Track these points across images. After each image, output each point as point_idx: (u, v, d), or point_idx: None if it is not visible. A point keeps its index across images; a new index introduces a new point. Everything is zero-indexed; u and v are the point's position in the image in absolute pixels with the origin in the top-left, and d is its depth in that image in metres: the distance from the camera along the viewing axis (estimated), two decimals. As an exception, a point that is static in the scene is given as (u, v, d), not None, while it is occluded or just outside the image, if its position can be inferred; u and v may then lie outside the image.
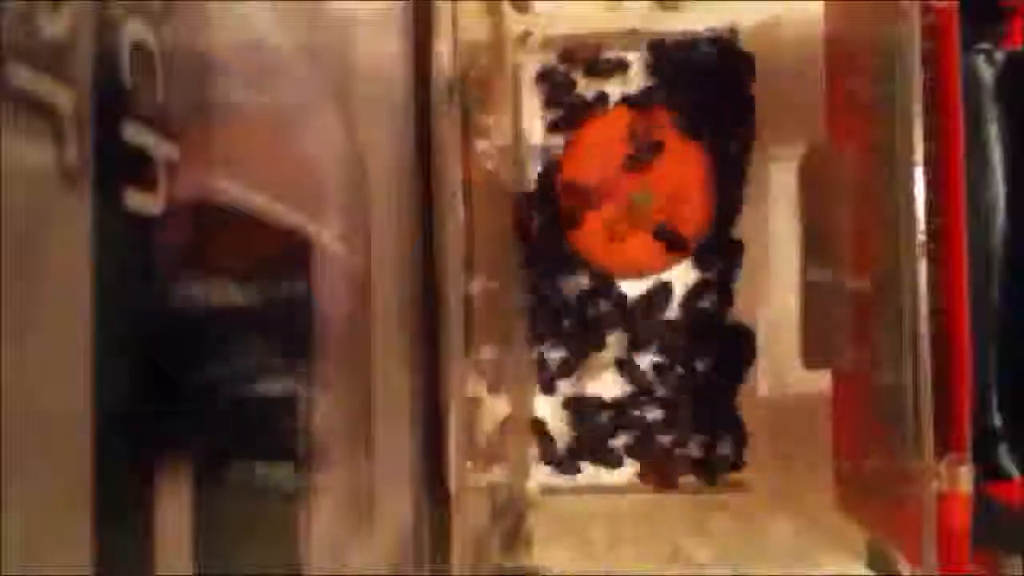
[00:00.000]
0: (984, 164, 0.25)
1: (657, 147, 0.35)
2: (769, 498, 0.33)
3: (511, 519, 0.31)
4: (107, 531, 0.10)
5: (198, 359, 0.12)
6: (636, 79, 0.36)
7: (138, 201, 0.11)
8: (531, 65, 0.36)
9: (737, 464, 0.35)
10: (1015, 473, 0.25)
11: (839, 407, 0.30)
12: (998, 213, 0.25)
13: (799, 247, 0.31)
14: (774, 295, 0.34)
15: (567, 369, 0.36)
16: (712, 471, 0.35)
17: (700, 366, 0.35)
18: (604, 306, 0.36)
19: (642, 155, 0.34)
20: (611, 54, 0.36)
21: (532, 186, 0.36)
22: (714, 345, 0.35)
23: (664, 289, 0.36)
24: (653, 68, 0.36)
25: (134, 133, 0.11)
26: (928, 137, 0.23)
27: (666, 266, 0.36)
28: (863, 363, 0.28)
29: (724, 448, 0.35)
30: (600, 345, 0.36)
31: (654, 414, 0.35)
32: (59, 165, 0.09)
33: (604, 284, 0.36)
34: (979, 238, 0.24)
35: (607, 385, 0.36)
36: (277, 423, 0.16)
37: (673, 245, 0.35)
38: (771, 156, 0.35)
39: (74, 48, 0.10)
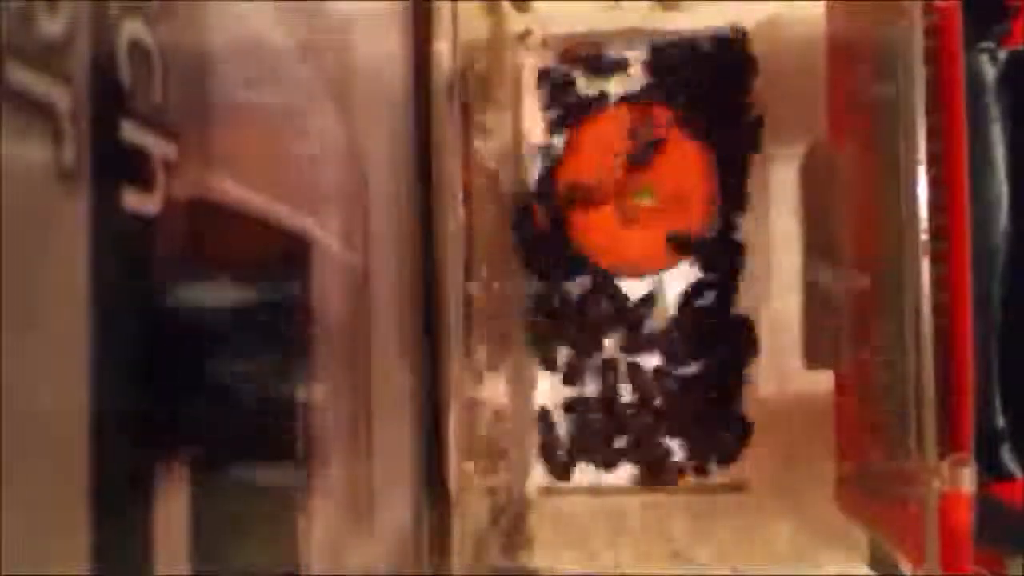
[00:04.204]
0: (987, 163, 0.25)
1: (658, 145, 0.34)
2: (770, 498, 0.33)
3: (511, 519, 0.31)
4: (105, 531, 0.10)
5: (196, 359, 0.12)
6: (636, 78, 0.36)
7: (136, 201, 0.11)
8: (531, 64, 0.36)
9: (733, 457, 0.35)
10: (1018, 473, 0.25)
11: (841, 407, 0.30)
12: (1001, 212, 0.25)
13: (801, 246, 0.31)
14: (775, 295, 0.34)
15: (567, 370, 0.36)
16: (705, 465, 0.35)
17: (700, 365, 0.35)
18: (605, 306, 0.36)
19: (643, 153, 0.34)
20: (611, 53, 0.36)
21: (532, 186, 0.36)
22: (715, 342, 0.35)
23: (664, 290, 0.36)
24: (653, 67, 0.36)
25: (132, 132, 0.11)
26: (930, 136, 0.23)
27: (668, 265, 0.35)
28: (865, 363, 0.28)
29: (723, 443, 0.35)
30: (600, 346, 0.35)
31: (652, 416, 0.35)
32: (57, 165, 0.09)
33: (605, 283, 0.36)
34: (982, 237, 0.24)
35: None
36: (276, 423, 0.16)
37: (682, 248, 0.35)
38: (772, 155, 0.35)
39: (71, 47, 0.10)
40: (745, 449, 0.35)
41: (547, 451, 0.35)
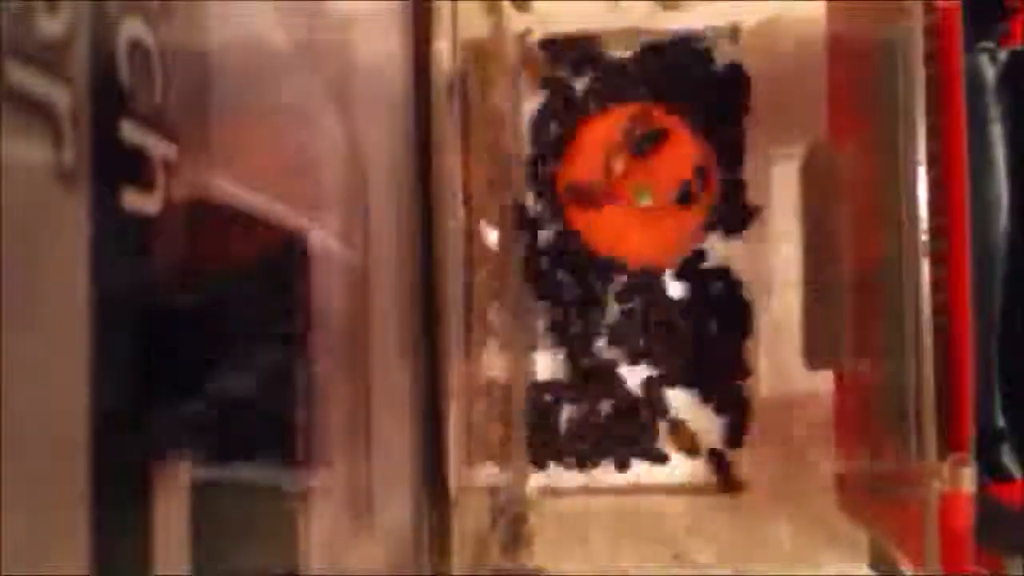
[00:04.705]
0: (987, 163, 0.25)
1: (658, 136, 0.34)
2: (770, 498, 0.33)
3: (511, 519, 0.31)
4: (104, 531, 0.10)
5: (196, 359, 0.12)
6: (636, 78, 0.36)
7: (136, 201, 0.11)
8: (531, 63, 0.36)
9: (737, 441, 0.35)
10: (1017, 474, 0.25)
11: (841, 407, 0.30)
12: (1001, 212, 0.25)
13: (801, 246, 0.31)
14: (775, 295, 0.34)
15: (570, 367, 0.36)
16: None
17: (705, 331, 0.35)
18: (607, 304, 0.36)
19: (643, 145, 0.34)
20: (611, 53, 0.36)
21: (533, 186, 0.36)
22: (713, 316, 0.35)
23: (663, 287, 0.36)
24: (653, 66, 0.36)
25: (132, 132, 0.11)
26: (930, 136, 0.23)
27: (669, 263, 0.36)
28: (865, 363, 0.28)
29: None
30: (601, 339, 0.36)
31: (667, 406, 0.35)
32: (57, 164, 0.09)
33: (607, 282, 0.36)
34: (982, 237, 0.24)
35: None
36: (276, 423, 0.15)
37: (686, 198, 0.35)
38: (772, 155, 0.35)
39: (72, 47, 0.10)
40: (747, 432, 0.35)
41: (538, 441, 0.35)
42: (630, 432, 0.35)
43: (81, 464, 0.09)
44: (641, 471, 0.35)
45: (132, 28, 0.11)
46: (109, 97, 0.10)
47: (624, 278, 0.36)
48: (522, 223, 0.35)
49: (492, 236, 0.28)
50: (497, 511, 0.29)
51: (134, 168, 0.11)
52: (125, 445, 0.10)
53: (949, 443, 0.22)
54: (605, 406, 0.36)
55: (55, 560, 0.09)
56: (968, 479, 0.22)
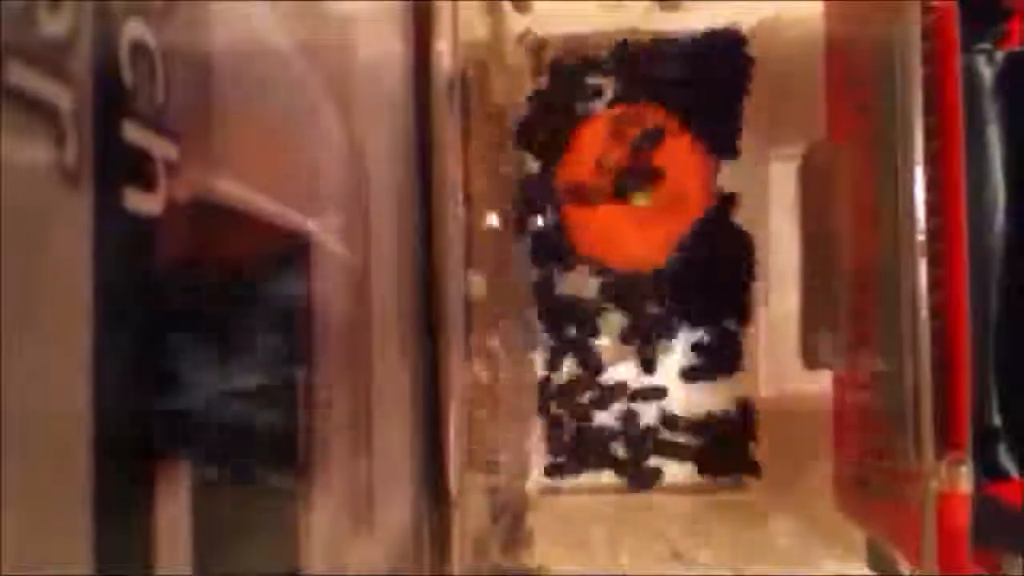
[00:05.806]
0: (984, 164, 0.25)
1: (657, 136, 0.34)
2: (769, 498, 0.33)
3: (511, 519, 0.31)
4: (106, 531, 0.10)
5: (197, 359, 0.12)
6: (635, 78, 0.36)
7: (138, 201, 0.11)
8: (531, 64, 0.36)
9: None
10: (1015, 473, 0.25)
11: (839, 407, 0.30)
12: (998, 212, 0.25)
13: (799, 246, 0.31)
14: (774, 295, 0.34)
15: (567, 369, 0.36)
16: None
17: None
18: (604, 305, 0.36)
19: (642, 145, 0.34)
20: (611, 53, 0.36)
21: (532, 185, 0.36)
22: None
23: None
24: (653, 67, 0.36)
25: (134, 133, 0.11)
26: (928, 137, 0.23)
27: (653, 263, 0.36)
28: (863, 363, 0.28)
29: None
30: (597, 337, 0.36)
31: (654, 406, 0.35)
32: (58, 165, 0.09)
33: (605, 282, 0.36)
34: (979, 238, 0.24)
35: (608, 377, 0.36)
36: (276, 423, 0.16)
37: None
38: (771, 155, 0.35)
39: (74, 47, 0.10)
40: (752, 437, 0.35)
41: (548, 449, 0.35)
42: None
43: (83, 464, 0.10)
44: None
45: (134, 28, 0.11)
46: (111, 97, 0.10)
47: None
48: (522, 223, 0.36)
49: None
50: (497, 511, 0.29)
51: (136, 168, 0.11)
52: (127, 445, 0.10)
53: (946, 443, 0.22)
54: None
55: (57, 560, 0.09)
56: (965, 479, 0.22)
